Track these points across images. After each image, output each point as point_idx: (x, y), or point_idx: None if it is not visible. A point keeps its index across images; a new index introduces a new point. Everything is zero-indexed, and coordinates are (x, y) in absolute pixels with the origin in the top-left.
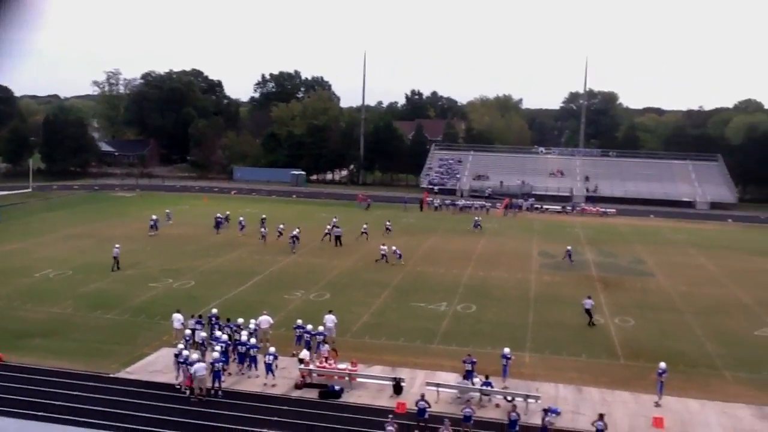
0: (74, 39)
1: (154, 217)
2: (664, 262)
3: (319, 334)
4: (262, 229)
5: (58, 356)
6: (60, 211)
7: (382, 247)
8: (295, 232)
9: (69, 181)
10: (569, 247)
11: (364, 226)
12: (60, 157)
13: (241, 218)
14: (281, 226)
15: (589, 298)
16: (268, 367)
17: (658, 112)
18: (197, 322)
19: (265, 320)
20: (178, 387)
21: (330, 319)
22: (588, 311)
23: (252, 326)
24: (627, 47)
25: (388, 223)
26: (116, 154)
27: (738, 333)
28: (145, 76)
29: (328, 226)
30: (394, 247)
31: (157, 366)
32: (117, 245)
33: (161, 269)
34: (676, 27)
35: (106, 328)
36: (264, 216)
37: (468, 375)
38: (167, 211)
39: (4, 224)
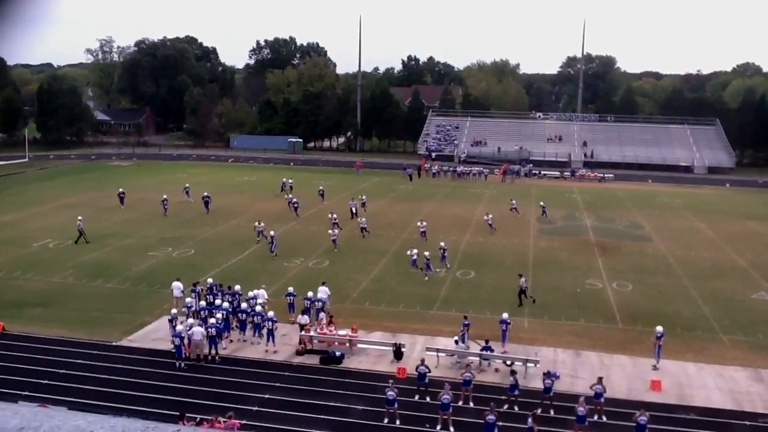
0: (66, 5)
1: (186, 185)
2: (661, 227)
3: (319, 300)
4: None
5: (60, 325)
6: (57, 180)
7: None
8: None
9: (65, 151)
10: (542, 203)
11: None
12: (55, 127)
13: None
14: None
15: (522, 276)
16: (270, 333)
17: (656, 76)
18: (192, 290)
19: (262, 294)
20: (173, 351)
21: (323, 291)
22: (522, 291)
23: (252, 294)
24: (625, 10)
25: (352, 203)
26: (111, 123)
27: (735, 297)
28: (139, 44)
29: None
30: (363, 219)
31: (158, 334)
32: (79, 217)
33: (160, 238)
34: None
35: (106, 297)
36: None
37: (462, 337)
38: (186, 186)
39: (1, 195)
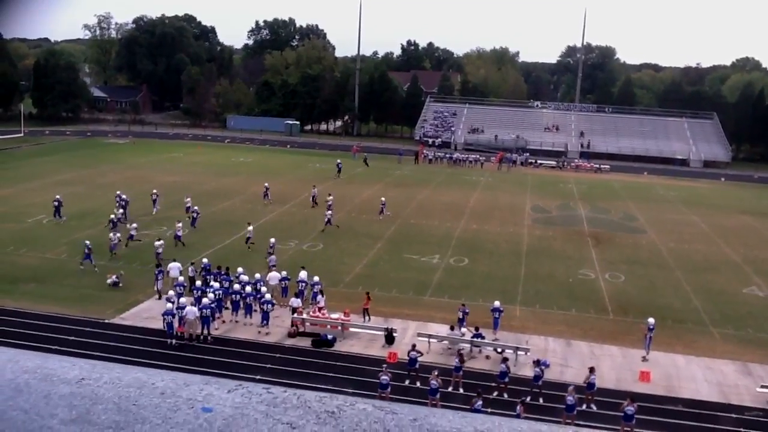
0: None
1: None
2: (655, 219)
3: (315, 284)
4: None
5: (53, 301)
6: (52, 156)
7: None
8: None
9: (60, 127)
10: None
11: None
12: (51, 102)
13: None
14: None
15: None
16: (266, 315)
17: (655, 68)
18: (179, 271)
19: (275, 277)
20: (165, 330)
21: (303, 275)
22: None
23: (246, 277)
24: (627, 1)
25: (314, 190)
26: (108, 100)
27: (726, 290)
28: (137, 21)
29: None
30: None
31: (151, 313)
32: (57, 196)
33: (154, 218)
34: None
35: (100, 275)
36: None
37: (459, 323)
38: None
39: None
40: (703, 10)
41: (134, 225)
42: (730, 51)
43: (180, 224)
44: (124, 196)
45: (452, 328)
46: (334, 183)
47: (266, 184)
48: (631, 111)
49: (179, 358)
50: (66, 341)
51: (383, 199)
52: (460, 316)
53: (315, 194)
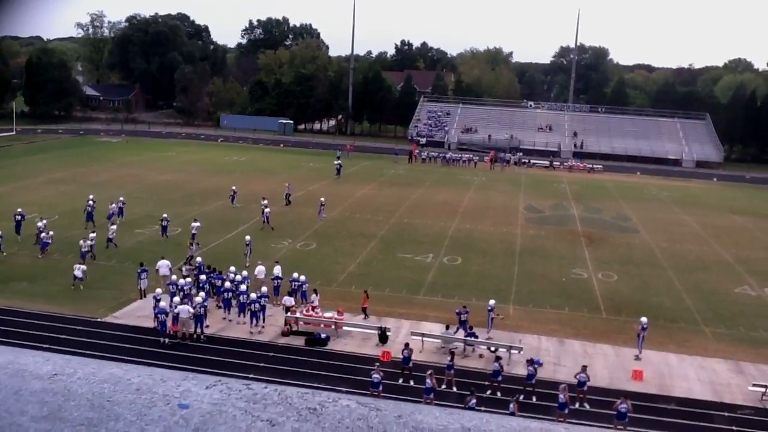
0: None
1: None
2: (648, 219)
3: (305, 282)
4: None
5: (45, 300)
6: (44, 155)
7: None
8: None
9: (53, 125)
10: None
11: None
12: (43, 101)
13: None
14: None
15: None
16: (254, 315)
17: (648, 69)
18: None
19: (261, 270)
20: (157, 328)
21: (278, 270)
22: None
23: (240, 276)
24: (620, 2)
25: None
26: (101, 98)
27: (718, 290)
28: (130, 19)
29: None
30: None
31: (144, 312)
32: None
33: (147, 216)
34: None
35: (92, 274)
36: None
37: (463, 326)
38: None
39: None
40: (695, 12)
41: (114, 227)
42: (722, 52)
43: (197, 224)
44: (114, 205)
45: (448, 328)
46: (331, 182)
47: (234, 188)
48: (624, 111)
49: (172, 356)
50: (58, 340)
51: (323, 199)
52: (463, 319)
53: (289, 192)
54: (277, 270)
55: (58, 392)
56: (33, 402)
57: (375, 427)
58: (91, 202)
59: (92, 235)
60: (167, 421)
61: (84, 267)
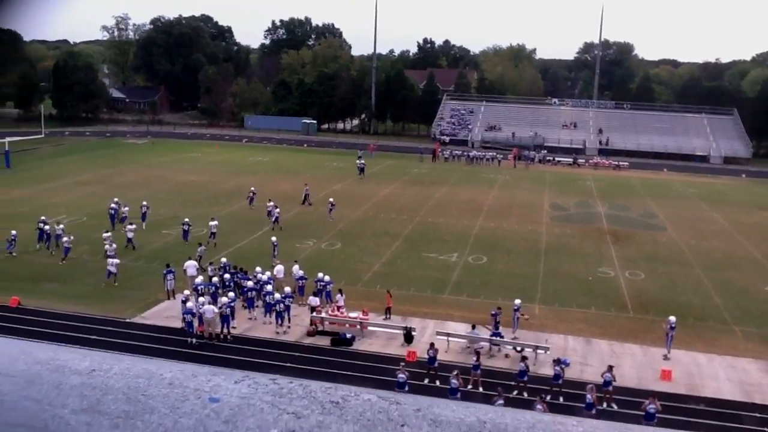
0: None
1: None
2: (675, 216)
3: (330, 283)
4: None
5: (74, 301)
6: (72, 156)
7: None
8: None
9: (80, 127)
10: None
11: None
12: (70, 103)
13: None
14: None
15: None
16: (279, 315)
17: (674, 64)
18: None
19: (280, 270)
20: (184, 329)
21: (296, 269)
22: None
23: (265, 276)
24: None
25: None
26: (126, 100)
27: (748, 288)
28: (154, 22)
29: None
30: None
31: (171, 312)
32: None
33: (174, 216)
34: None
35: (120, 274)
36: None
37: (495, 327)
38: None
39: (16, 170)
40: (722, 5)
41: (132, 226)
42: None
43: (214, 222)
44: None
45: (474, 327)
46: (355, 182)
47: (252, 189)
48: (649, 107)
49: (199, 357)
50: (87, 340)
51: (332, 199)
52: (498, 320)
53: (307, 192)
54: (296, 269)
55: (96, 387)
56: (73, 396)
57: (395, 420)
58: (113, 205)
59: (106, 234)
60: (199, 414)
61: (117, 261)
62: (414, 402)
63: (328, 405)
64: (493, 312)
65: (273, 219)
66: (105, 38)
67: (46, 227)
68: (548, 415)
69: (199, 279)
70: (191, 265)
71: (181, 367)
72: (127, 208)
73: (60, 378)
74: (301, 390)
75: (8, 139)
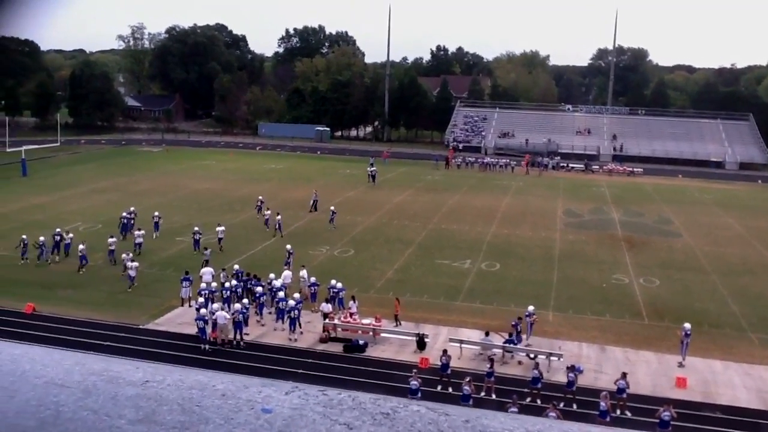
0: None
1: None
2: (690, 222)
3: (343, 290)
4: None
5: (89, 307)
6: (87, 165)
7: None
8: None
9: (96, 136)
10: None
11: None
12: (86, 112)
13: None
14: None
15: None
16: (293, 321)
17: (689, 69)
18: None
19: (287, 275)
20: (198, 335)
21: (304, 273)
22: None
23: (278, 283)
24: (658, 2)
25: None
26: (142, 108)
27: (764, 294)
28: (169, 31)
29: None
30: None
31: (184, 318)
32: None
33: (188, 224)
34: None
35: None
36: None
37: (518, 336)
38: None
39: (32, 178)
40: (737, 10)
41: (141, 232)
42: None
43: (221, 228)
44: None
45: (487, 334)
46: (368, 189)
47: (260, 197)
48: (664, 113)
49: (212, 363)
50: (101, 347)
51: (333, 207)
52: (519, 329)
53: (316, 199)
54: (303, 273)
55: (151, 398)
56: (129, 406)
57: (444, 431)
58: (126, 214)
59: (111, 240)
60: (253, 424)
61: (136, 264)
62: (462, 413)
63: (379, 416)
64: (513, 322)
65: (276, 227)
66: (121, 47)
67: (61, 237)
68: (597, 427)
69: (213, 284)
70: (207, 272)
71: (232, 378)
72: (125, 213)
73: (115, 389)
74: (350, 401)
75: (25, 147)
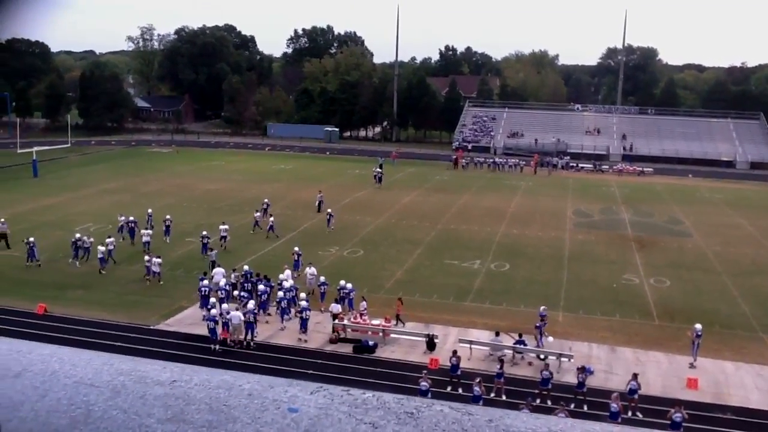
0: None
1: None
2: (701, 222)
3: (353, 290)
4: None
5: (100, 308)
6: (98, 165)
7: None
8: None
9: (106, 137)
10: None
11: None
12: (96, 113)
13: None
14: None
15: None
16: (305, 322)
17: (699, 68)
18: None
19: (289, 274)
20: (209, 336)
21: (310, 272)
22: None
23: (287, 283)
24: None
25: (319, 195)
26: (151, 109)
27: None
28: (179, 32)
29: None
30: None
31: (195, 319)
32: (2, 220)
33: (197, 224)
34: None
35: (145, 282)
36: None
37: (541, 337)
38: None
39: (43, 179)
40: (747, 8)
41: (149, 231)
42: None
43: (225, 226)
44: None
45: (497, 335)
46: (376, 190)
47: (266, 200)
48: (674, 112)
49: (222, 363)
50: (112, 347)
51: (330, 210)
52: (542, 332)
53: (321, 200)
54: (311, 271)
55: (179, 397)
56: (157, 406)
57: (468, 430)
58: (124, 218)
59: (109, 239)
60: (280, 423)
61: (160, 260)
62: (485, 413)
63: (403, 415)
64: (537, 324)
65: (269, 228)
66: (130, 48)
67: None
68: (617, 426)
69: (223, 281)
70: (219, 273)
71: (258, 378)
72: (123, 218)
73: (143, 388)
74: (375, 401)
75: (36, 148)
